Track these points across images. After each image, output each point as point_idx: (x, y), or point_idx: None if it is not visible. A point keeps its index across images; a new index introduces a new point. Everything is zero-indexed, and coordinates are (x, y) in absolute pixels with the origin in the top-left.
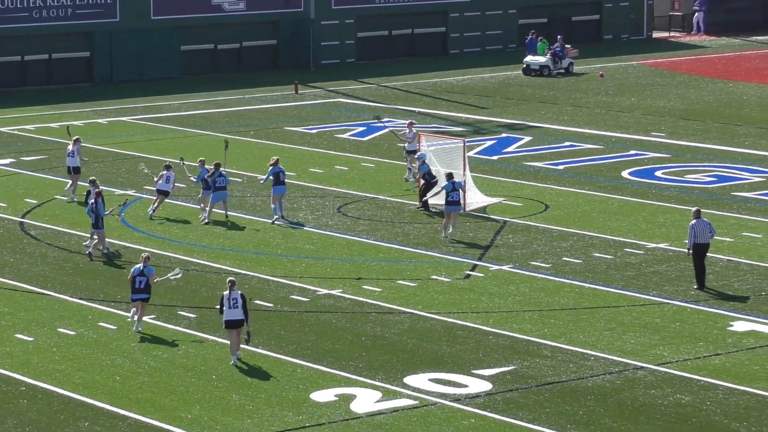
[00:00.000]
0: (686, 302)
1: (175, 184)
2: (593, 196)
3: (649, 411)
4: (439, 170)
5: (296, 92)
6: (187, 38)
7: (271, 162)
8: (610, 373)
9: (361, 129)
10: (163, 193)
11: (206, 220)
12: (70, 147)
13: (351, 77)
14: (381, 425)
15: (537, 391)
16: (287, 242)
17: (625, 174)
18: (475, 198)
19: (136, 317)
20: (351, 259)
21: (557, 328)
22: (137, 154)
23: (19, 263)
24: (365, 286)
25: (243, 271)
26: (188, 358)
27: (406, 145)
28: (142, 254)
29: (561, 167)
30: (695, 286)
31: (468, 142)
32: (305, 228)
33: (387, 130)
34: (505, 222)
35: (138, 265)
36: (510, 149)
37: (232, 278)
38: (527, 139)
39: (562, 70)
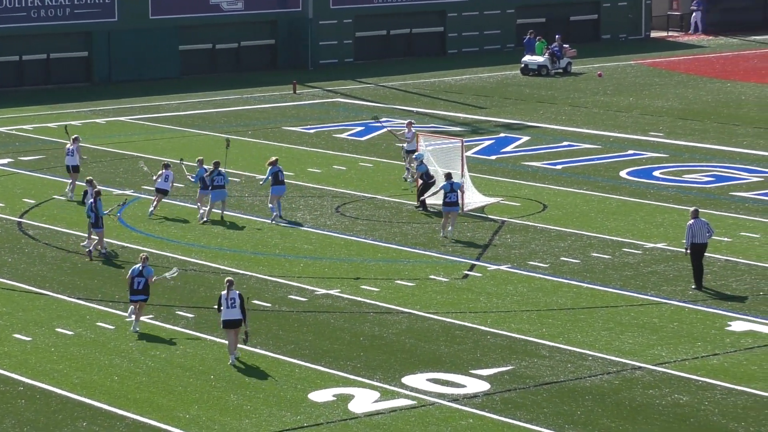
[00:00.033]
0: (684, 302)
1: (174, 184)
2: (591, 196)
3: (647, 411)
4: (437, 170)
5: (294, 92)
6: (186, 38)
7: (270, 162)
8: (608, 373)
9: (359, 129)
10: (162, 192)
11: (204, 219)
12: (68, 146)
13: (349, 77)
14: (379, 425)
15: (535, 391)
16: (285, 242)
17: (623, 174)
18: (473, 198)
19: (133, 317)
20: (349, 259)
21: (555, 328)
22: (135, 153)
23: (17, 263)
24: (363, 286)
25: (241, 271)
26: (186, 358)
27: (405, 145)
28: (141, 254)
29: (559, 167)
30: (693, 286)
31: (466, 141)
32: (303, 228)
33: (385, 130)
34: (503, 222)
35: (137, 266)
36: (508, 149)
37: (230, 278)
38: (525, 138)
39: (560, 70)
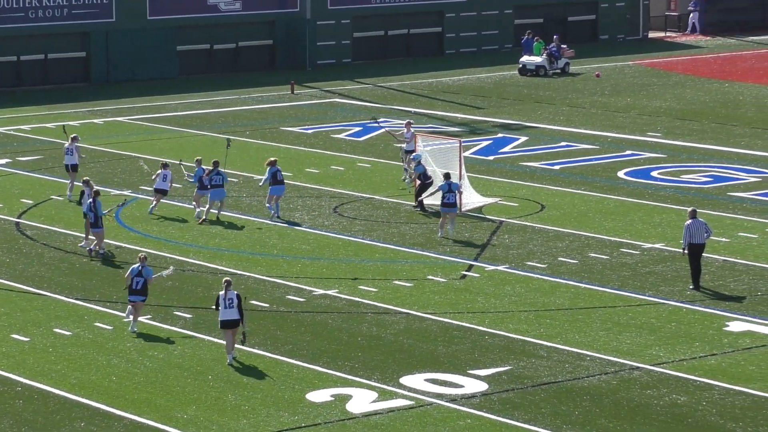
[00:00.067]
0: (682, 302)
1: (173, 184)
2: (589, 196)
3: (645, 411)
4: (435, 170)
5: (292, 92)
6: (183, 38)
7: (269, 162)
8: (606, 374)
9: (357, 129)
10: (160, 193)
11: (203, 218)
12: (67, 145)
13: (347, 77)
14: (377, 425)
15: (533, 392)
16: (283, 242)
17: (621, 174)
18: (471, 198)
19: (131, 317)
20: (347, 260)
21: (553, 328)
22: (133, 154)
23: (15, 263)
24: (361, 287)
25: (239, 272)
26: (184, 358)
27: (404, 145)
28: (140, 254)
29: (557, 167)
30: (691, 287)
31: (464, 142)
32: (301, 228)
33: (383, 130)
34: (501, 222)
35: (135, 265)
36: (506, 149)
37: (228, 278)
38: (523, 139)
39: (558, 70)
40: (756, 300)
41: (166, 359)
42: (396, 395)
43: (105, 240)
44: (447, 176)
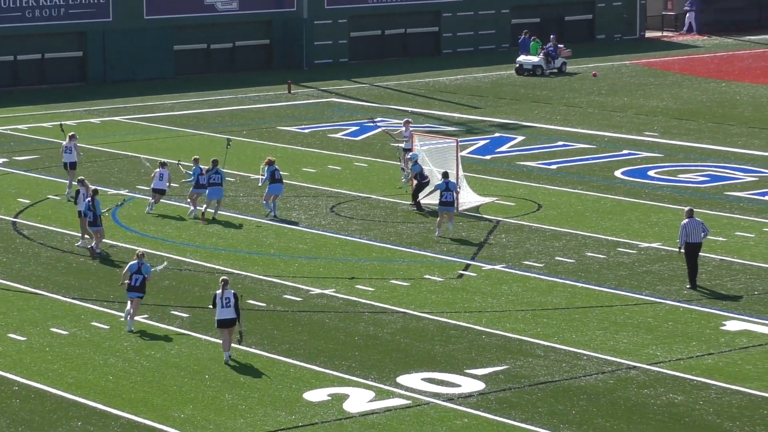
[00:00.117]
0: (679, 302)
1: (171, 184)
2: (586, 196)
3: (641, 410)
4: (432, 170)
5: (289, 92)
6: (180, 38)
7: (267, 161)
8: (603, 373)
9: (354, 129)
10: (158, 192)
11: (195, 215)
12: (65, 143)
13: (344, 77)
14: (374, 425)
15: (530, 391)
16: (280, 242)
17: (618, 174)
18: (468, 198)
19: (129, 318)
20: (344, 259)
21: (550, 327)
22: (130, 153)
23: (12, 263)
24: (358, 286)
25: (236, 271)
26: (181, 357)
27: (402, 144)
28: (138, 251)
29: (554, 167)
30: (688, 286)
31: (461, 141)
32: (298, 227)
33: (380, 130)
34: (498, 221)
35: (133, 262)
36: (503, 149)
37: (225, 277)
38: (520, 138)
39: (555, 70)
40: (753, 299)
41: (163, 358)
42: (393, 394)
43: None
44: (445, 175)
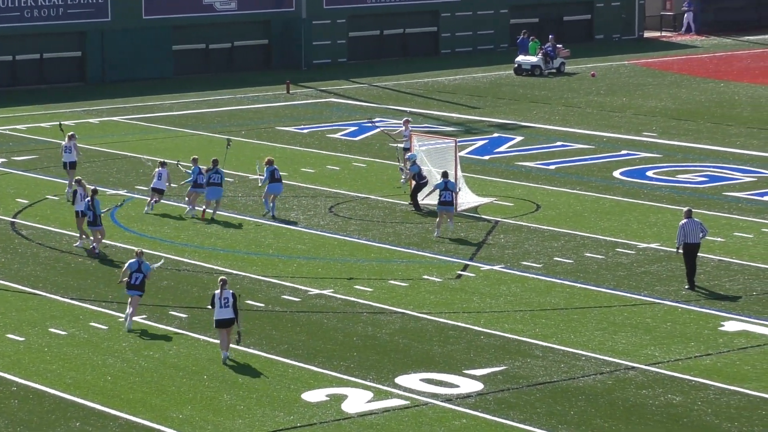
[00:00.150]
0: (677, 302)
1: (170, 185)
2: (585, 196)
3: (640, 411)
4: (430, 170)
5: (288, 92)
6: (179, 38)
7: (266, 161)
8: (602, 373)
9: (352, 129)
10: (157, 191)
11: (193, 215)
12: (65, 143)
13: (342, 77)
14: (372, 425)
15: (528, 391)
16: (279, 242)
17: (616, 174)
18: (466, 198)
19: (129, 317)
20: (342, 259)
21: (548, 328)
22: (129, 153)
23: (11, 263)
24: (357, 286)
25: (234, 271)
26: (179, 358)
27: (402, 144)
28: (137, 249)
29: (552, 167)
30: (686, 286)
31: (460, 141)
32: (297, 228)
33: (379, 130)
34: (496, 222)
35: (133, 260)
36: (501, 149)
37: (223, 277)
38: (519, 138)
39: (554, 70)
40: (751, 300)
41: (162, 359)
42: (391, 395)
43: (91, 238)
44: (445, 175)
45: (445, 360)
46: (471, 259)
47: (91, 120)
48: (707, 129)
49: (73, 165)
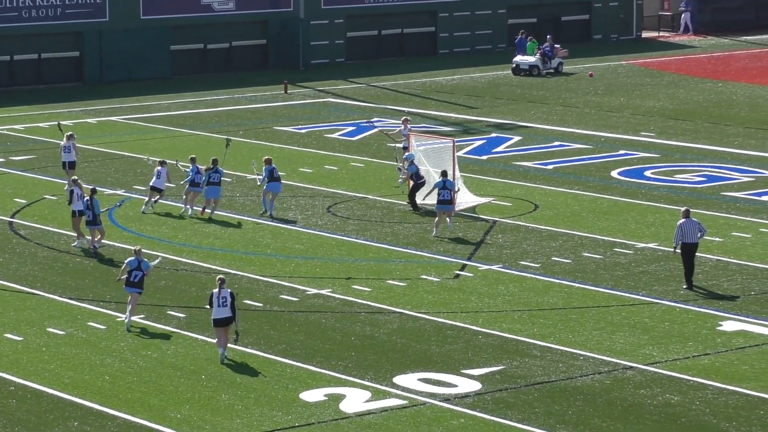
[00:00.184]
0: (676, 302)
1: (168, 184)
2: (583, 196)
3: (638, 411)
4: (428, 170)
5: (286, 92)
6: (177, 38)
7: (264, 160)
8: (600, 373)
9: (350, 129)
10: (155, 190)
11: (191, 214)
12: (63, 143)
13: (340, 77)
14: (370, 425)
15: (526, 391)
16: (277, 242)
17: (614, 174)
18: (464, 198)
19: (128, 314)
20: (340, 259)
21: (546, 327)
22: (127, 153)
23: (8, 263)
24: (355, 286)
25: (233, 271)
26: (177, 357)
27: (401, 143)
28: (135, 247)
29: (550, 167)
30: (684, 286)
31: (457, 141)
32: (295, 228)
33: (377, 130)
34: (494, 222)
35: (132, 258)
36: (499, 149)
37: (222, 276)
38: (517, 138)
39: (552, 70)
40: (749, 300)
41: (160, 359)
42: (389, 395)
43: (87, 238)
44: (444, 174)
45: (443, 360)
46: (469, 259)
47: (88, 120)
48: (705, 129)
49: (72, 165)
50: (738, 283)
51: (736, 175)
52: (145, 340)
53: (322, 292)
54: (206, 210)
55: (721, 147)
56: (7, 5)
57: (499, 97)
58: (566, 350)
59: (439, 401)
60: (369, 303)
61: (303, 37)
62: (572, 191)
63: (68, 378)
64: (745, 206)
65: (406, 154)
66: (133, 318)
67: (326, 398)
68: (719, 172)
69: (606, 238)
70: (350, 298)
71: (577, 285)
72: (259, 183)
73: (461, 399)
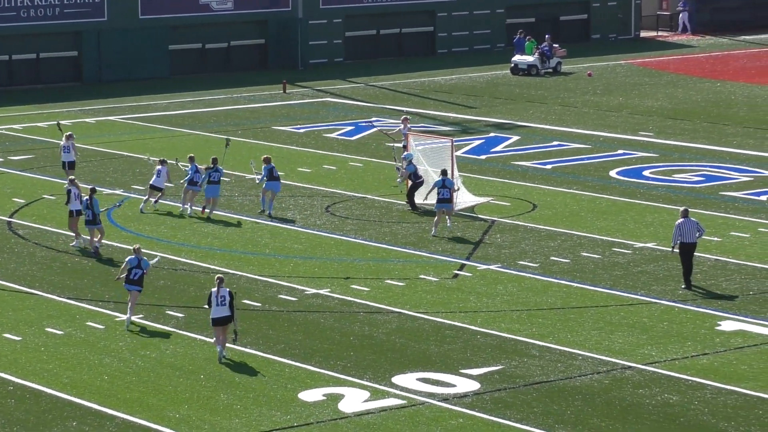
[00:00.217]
0: (674, 302)
1: (167, 184)
2: (581, 196)
3: (637, 410)
4: (426, 170)
5: (284, 92)
6: (175, 38)
7: (263, 159)
8: (598, 373)
9: (349, 128)
10: (156, 189)
11: (190, 213)
12: (63, 143)
13: (339, 77)
14: (369, 425)
15: (525, 391)
16: (275, 242)
17: (612, 173)
18: (463, 197)
19: (128, 311)
20: (339, 259)
21: (545, 327)
22: (125, 153)
23: (7, 263)
24: (353, 286)
25: (231, 271)
26: (176, 357)
27: (401, 143)
28: (134, 245)
29: (549, 167)
30: (683, 286)
31: (456, 141)
32: (293, 227)
33: (376, 129)
34: (493, 221)
35: (132, 257)
36: (498, 149)
37: (220, 275)
38: (515, 138)
39: (550, 70)
40: (748, 299)
41: (158, 358)
42: (388, 394)
43: (85, 237)
44: (444, 173)
45: (441, 359)
46: (468, 259)
47: (87, 120)
48: (704, 129)
49: (72, 165)
50: (736, 283)
51: (734, 174)
52: (143, 339)
53: (321, 291)
54: (206, 210)
55: (720, 147)
56: (6, 5)
57: (497, 97)
58: (565, 350)
59: (438, 401)
60: (368, 303)
61: (301, 37)
62: (571, 191)
63: (67, 378)
64: (744, 206)
65: (405, 153)
66: (132, 318)
67: (325, 398)
68: (718, 172)
69: (604, 238)
70: (349, 298)
71: (575, 285)
72: (257, 182)
73: (460, 399)
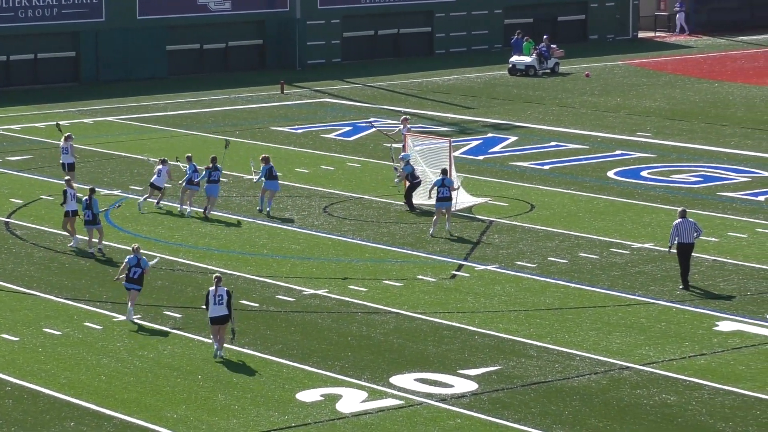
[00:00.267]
0: (672, 302)
1: (166, 184)
2: (579, 196)
3: (634, 411)
4: (424, 170)
5: (282, 92)
6: (173, 38)
7: (262, 158)
8: (596, 373)
9: (347, 129)
10: (155, 188)
11: (189, 213)
12: (62, 144)
13: (337, 77)
14: (367, 425)
15: (523, 391)
16: (273, 242)
17: (610, 174)
18: (460, 198)
19: (129, 309)
20: (337, 259)
21: (543, 328)
22: (123, 154)
23: (5, 263)
24: (351, 286)
25: (229, 271)
26: (174, 358)
27: (400, 143)
28: (133, 245)
29: (547, 167)
30: (681, 286)
31: (454, 142)
32: (291, 228)
33: (375, 130)
34: (490, 222)
35: (131, 256)
36: (496, 149)
37: (218, 274)
38: (513, 139)
39: (548, 70)
40: (745, 300)
41: (156, 359)
42: (386, 395)
43: (82, 237)
44: (443, 172)
45: (439, 360)
46: (465, 259)
47: (85, 120)
48: (701, 129)
49: (71, 167)
50: (734, 284)
51: (732, 175)
52: (141, 340)
53: (319, 292)
54: (206, 209)
55: (718, 147)
56: (4, 5)
57: (495, 98)
58: (563, 350)
59: (436, 401)
60: (365, 303)
61: (299, 38)
62: (569, 191)
63: (65, 378)
64: (742, 206)
65: (402, 154)
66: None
67: (323, 398)
68: (715, 173)
69: (602, 239)
70: (347, 299)
71: (573, 285)
72: (255, 181)
73: (458, 399)
